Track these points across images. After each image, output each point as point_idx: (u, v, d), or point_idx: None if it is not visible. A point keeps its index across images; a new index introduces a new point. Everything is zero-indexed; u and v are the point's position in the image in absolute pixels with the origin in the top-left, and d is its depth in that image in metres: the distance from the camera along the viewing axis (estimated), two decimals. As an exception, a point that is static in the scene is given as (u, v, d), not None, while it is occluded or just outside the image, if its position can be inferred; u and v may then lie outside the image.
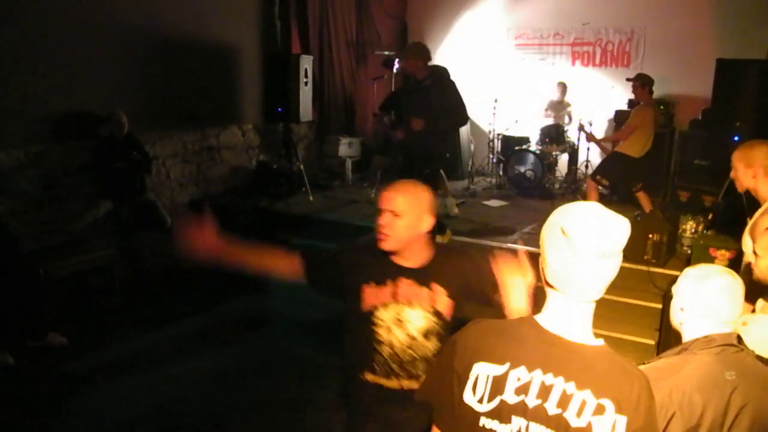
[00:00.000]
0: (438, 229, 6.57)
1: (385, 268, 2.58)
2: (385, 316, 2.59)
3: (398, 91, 6.59)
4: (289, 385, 5.08)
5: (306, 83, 8.38)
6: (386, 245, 2.53)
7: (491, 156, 10.05)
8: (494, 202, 8.73)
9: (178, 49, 7.52)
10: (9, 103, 5.86)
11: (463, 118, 6.47)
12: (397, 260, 2.59)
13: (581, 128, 8.12)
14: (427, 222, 2.55)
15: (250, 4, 8.63)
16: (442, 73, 5.96)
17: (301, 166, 8.63)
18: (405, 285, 2.56)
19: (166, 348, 5.66)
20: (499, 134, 9.86)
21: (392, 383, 2.61)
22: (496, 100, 9.62)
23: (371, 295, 2.59)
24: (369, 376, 2.66)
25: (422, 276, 2.57)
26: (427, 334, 2.56)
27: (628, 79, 7.23)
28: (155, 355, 5.51)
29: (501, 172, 9.67)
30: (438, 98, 5.92)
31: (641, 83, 6.93)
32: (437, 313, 2.57)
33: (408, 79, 6.08)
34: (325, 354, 5.48)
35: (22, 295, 5.31)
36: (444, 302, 2.57)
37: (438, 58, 11.03)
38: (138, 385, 5.00)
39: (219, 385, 5.06)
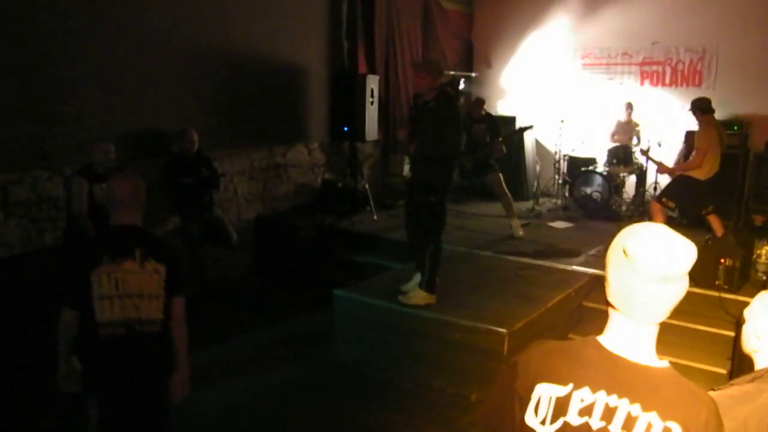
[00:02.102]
0: None
1: None
2: None
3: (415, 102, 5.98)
4: (354, 404, 5.09)
5: (372, 103, 8.46)
6: None
7: (557, 177, 9.94)
8: (560, 224, 8.63)
9: (247, 69, 7.69)
10: (86, 121, 6.09)
11: (446, 143, 5.37)
12: None
13: (644, 153, 7.94)
14: None
15: (317, 24, 8.78)
16: (444, 95, 5.49)
17: (366, 185, 8.70)
18: None
19: (230, 361, 5.75)
20: (565, 155, 9.76)
21: None
22: (562, 121, 9.54)
23: None
24: None
25: None
26: None
27: (688, 110, 7.07)
28: (219, 368, 5.61)
29: (567, 194, 9.54)
30: (433, 120, 5.36)
31: (697, 107, 6.85)
32: None
33: (417, 97, 5.67)
34: (391, 373, 5.51)
35: None
36: None
37: (504, 79, 11.05)
38: (200, 396, 5.09)
39: (282, 399, 5.10)
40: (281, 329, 6.49)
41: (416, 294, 5.55)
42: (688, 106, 7.00)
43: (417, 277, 5.69)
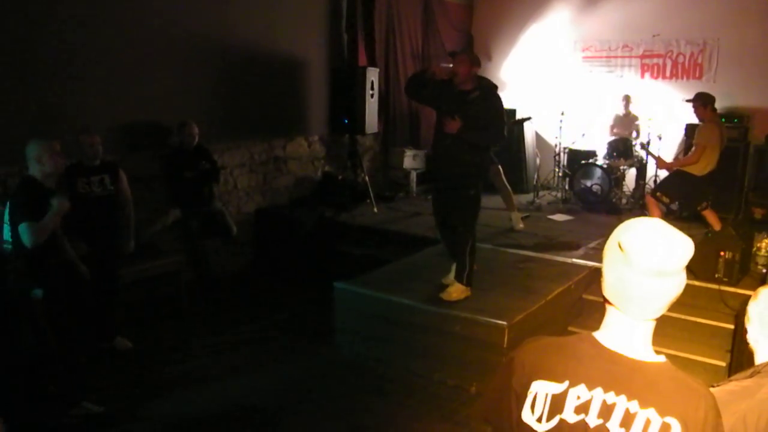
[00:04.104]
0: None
1: None
2: None
3: (443, 85, 5.49)
4: (354, 397, 5.10)
5: (372, 95, 8.45)
6: None
7: (557, 170, 9.93)
8: (559, 217, 8.62)
9: (247, 62, 7.68)
10: (86, 114, 6.08)
11: (498, 135, 5.44)
12: None
13: (644, 147, 7.86)
14: None
15: (317, 17, 8.75)
16: (490, 87, 5.49)
17: (366, 178, 8.69)
18: None
19: (230, 354, 5.76)
20: (565, 148, 9.74)
21: None
22: (562, 113, 9.53)
23: None
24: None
25: None
26: None
27: (687, 101, 7.01)
28: (219, 361, 5.62)
29: (567, 186, 9.53)
30: (482, 112, 5.28)
31: (702, 103, 6.72)
32: None
33: (452, 83, 5.38)
34: (391, 366, 5.52)
35: (101, 297, 5.47)
36: None
37: (504, 72, 11.03)
38: (202, 390, 5.10)
39: (281, 393, 5.11)
40: (281, 322, 6.50)
41: (456, 288, 5.49)
42: (690, 99, 6.93)
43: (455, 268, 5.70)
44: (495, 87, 5.54)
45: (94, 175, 5.49)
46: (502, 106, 5.46)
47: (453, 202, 5.54)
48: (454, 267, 5.69)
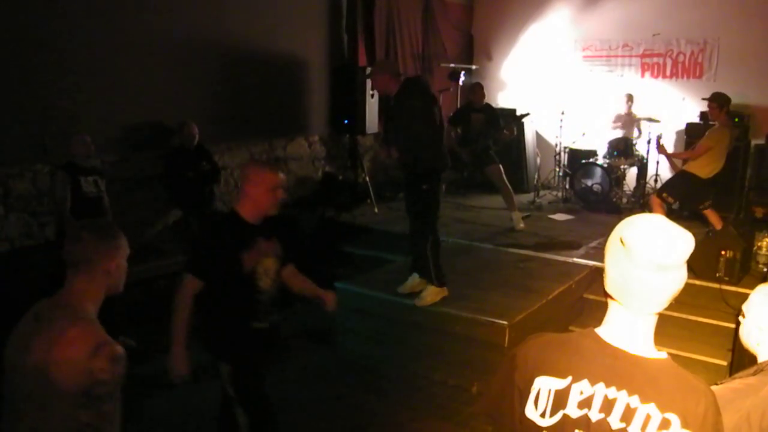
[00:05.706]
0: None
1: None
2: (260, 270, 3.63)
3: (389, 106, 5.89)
4: (355, 397, 5.10)
5: (372, 95, 8.44)
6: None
7: (557, 169, 9.92)
8: (560, 216, 8.62)
9: (247, 62, 7.68)
10: (87, 115, 6.09)
11: (414, 128, 5.30)
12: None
13: (661, 148, 7.82)
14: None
15: (317, 17, 8.75)
16: (406, 85, 5.46)
17: (367, 178, 8.70)
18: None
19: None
20: (565, 147, 9.73)
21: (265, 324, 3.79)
22: (563, 113, 9.52)
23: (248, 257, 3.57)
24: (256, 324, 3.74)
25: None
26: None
27: (704, 99, 7.00)
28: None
29: (567, 186, 9.53)
30: (398, 110, 5.36)
31: (719, 104, 6.68)
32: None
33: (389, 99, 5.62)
34: (391, 366, 5.51)
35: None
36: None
37: (504, 71, 11.03)
38: (203, 390, 5.09)
39: (283, 393, 5.10)
40: (281, 322, 6.48)
41: (429, 292, 5.44)
42: (707, 97, 6.90)
43: (414, 276, 5.66)
44: (413, 84, 5.50)
45: (90, 175, 5.47)
46: (412, 99, 5.32)
47: (412, 200, 5.51)
48: (411, 276, 5.66)
